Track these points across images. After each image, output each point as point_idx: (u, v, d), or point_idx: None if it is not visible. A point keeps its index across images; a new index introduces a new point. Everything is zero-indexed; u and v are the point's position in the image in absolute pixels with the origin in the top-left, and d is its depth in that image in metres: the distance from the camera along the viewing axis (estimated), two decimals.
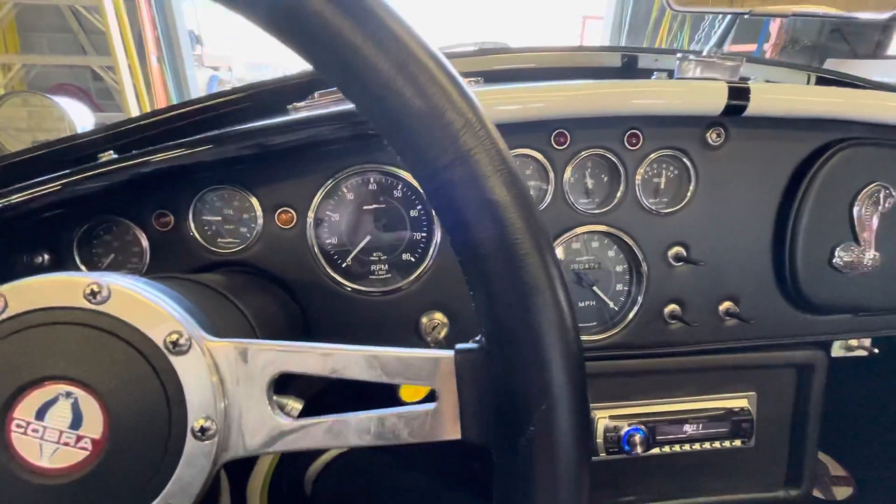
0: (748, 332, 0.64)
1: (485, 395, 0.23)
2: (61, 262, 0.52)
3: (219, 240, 0.54)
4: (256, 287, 0.48)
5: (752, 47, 3.47)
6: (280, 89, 0.64)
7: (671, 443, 0.66)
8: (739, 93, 0.53)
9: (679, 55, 0.57)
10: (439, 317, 0.57)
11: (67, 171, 0.46)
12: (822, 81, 0.77)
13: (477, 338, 0.24)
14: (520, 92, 0.50)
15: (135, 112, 3.81)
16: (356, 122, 0.49)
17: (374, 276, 0.57)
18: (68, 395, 0.26)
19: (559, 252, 0.59)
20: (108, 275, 0.27)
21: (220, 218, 0.53)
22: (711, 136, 0.58)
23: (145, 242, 0.52)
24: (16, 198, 0.45)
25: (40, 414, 0.25)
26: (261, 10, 0.21)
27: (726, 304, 0.63)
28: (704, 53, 0.56)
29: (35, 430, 0.25)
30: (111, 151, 0.51)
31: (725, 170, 0.60)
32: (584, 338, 0.62)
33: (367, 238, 0.56)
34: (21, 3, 3.46)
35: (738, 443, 0.67)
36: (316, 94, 0.61)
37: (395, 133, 0.22)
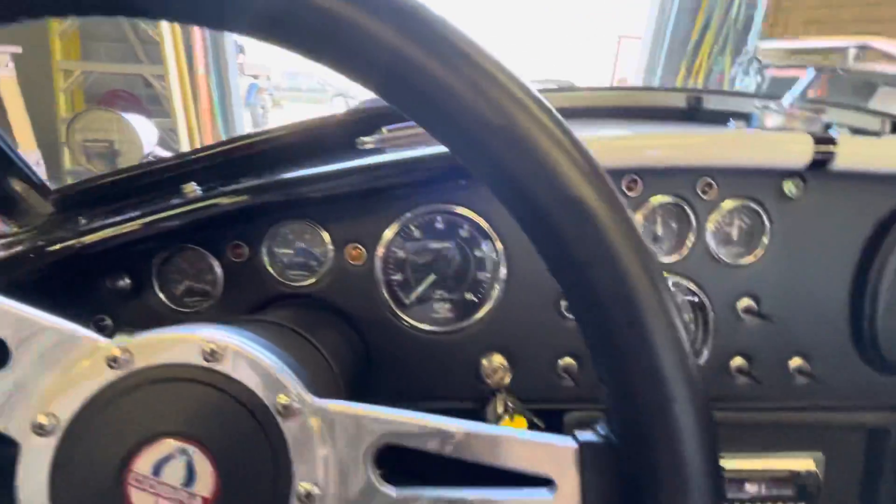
0: (820, 391, 0.60)
1: (611, 492, 0.22)
2: (141, 286, 0.54)
3: (288, 272, 0.55)
4: (330, 325, 0.48)
5: (801, 73, 3.38)
6: (349, 122, 0.65)
7: (731, 502, 0.63)
8: (825, 147, 0.51)
9: (758, 103, 0.56)
10: (499, 360, 0.57)
11: (156, 207, 0.48)
12: None
13: (600, 429, 0.23)
14: (600, 141, 0.50)
15: (181, 117, 3.97)
16: (428, 168, 0.50)
17: (436, 315, 0.57)
18: (183, 452, 0.26)
19: None
20: (224, 332, 0.28)
21: (291, 251, 0.54)
22: (789, 188, 0.56)
23: (219, 271, 0.54)
24: (109, 233, 0.47)
25: (157, 469, 0.26)
26: (404, 94, 0.22)
27: (797, 362, 0.60)
28: (786, 105, 0.55)
29: (151, 486, 0.26)
30: (194, 184, 0.52)
31: (802, 222, 0.57)
32: None
33: (432, 277, 0.56)
34: None
35: None
36: (384, 130, 0.62)
37: (532, 219, 0.22)
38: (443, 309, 0.57)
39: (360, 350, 0.53)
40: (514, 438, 0.24)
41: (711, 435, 0.21)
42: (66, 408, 0.26)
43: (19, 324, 0.26)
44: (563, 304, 0.57)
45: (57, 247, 0.46)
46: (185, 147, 3.88)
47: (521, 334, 0.57)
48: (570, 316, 0.57)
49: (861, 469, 0.66)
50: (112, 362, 0.26)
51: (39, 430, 0.25)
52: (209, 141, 4.24)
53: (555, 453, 0.23)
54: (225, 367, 0.26)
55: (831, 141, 0.52)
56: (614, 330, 0.21)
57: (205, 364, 0.26)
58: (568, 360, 0.58)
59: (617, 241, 0.21)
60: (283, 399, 0.26)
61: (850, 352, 0.60)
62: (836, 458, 0.65)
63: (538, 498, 0.24)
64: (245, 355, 0.27)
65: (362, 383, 0.51)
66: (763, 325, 0.59)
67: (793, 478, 0.63)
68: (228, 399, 0.26)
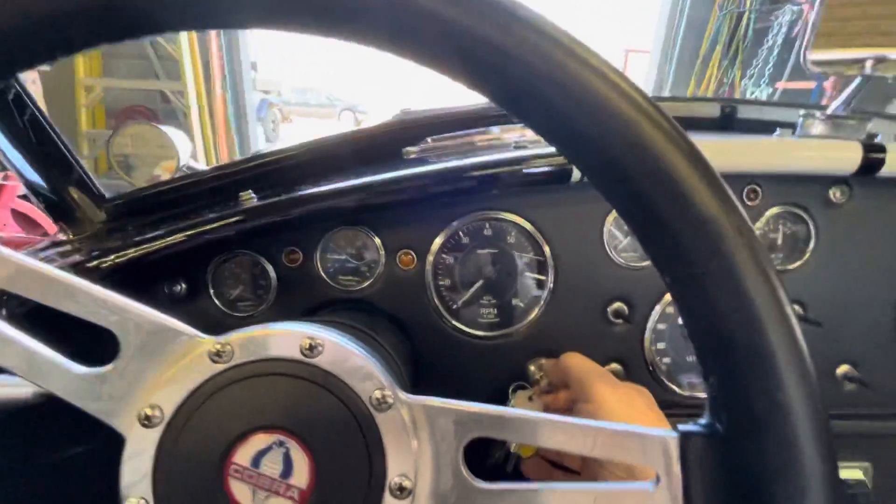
0: (868, 398, 0.60)
1: (715, 482, 0.22)
2: (196, 291, 0.55)
3: (339, 277, 0.56)
4: (387, 328, 0.49)
5: (809, 85, 3.39)
6: (395, 132, 0.67)
7: None
8: (874, 153, 0.52)
9: (802, 112, 0.57)
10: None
11: (216, 215, 0.49)
12: None
13: (703, 421, 0.24)
14: None
15: (197, 132, 4.04)
16: (473, 176, 0.51)
17: (482, 320, 0.58)
18: (281, 444, 0.27)
19: (670, 308, 0.58)
20: (319, 328, 0.29)
21: (343, 256, 0.55)
22: (835, 195, 0.57)
23: (273, 277, 0.55)
24: (171, 240, 0.48)
25: (256, 461, 0.27)
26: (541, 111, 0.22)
27: (844, 368, 0.60)
28: (830, 112, 0.55)
29: (250, 476, 0.26)
30: (251, 192, 0.54)
31: (847, 228, 0.58)
32: (687, 393, 0.60)
33: (480, 282, 0.57)
34: None
35: None
36: (429, 140, 0.64)
37: (643, 225, 0.22)
38: (490, 314, 0.58)
39: (409, 351, 0.53)
40: (610, 429, 0.25)
41: (826, 425, 0.21)
42: (171, 400, 0.26)
43: (124, 315, 0.27)
44: (610, 309, 0.57)
45: (127, 252, 0.47)
46: (202, 161, 3.94)
47: (568, 339, 0.57)
48: (617, 321, 0.57)
49: None
50: (215, 357, 0.27)
51: (146, 421, 0.26)
52: (224, 154, 4.31)
53: (657, 445, 0.24)
54: (322, 361, 0.27)
55: (881, 148, 0.52)
56: (730, 336, 0.21)
57: (303, 359, 0.27)
58: (614, 366, 0.58)
59: (730, 235, 0.21)
60: (377, 393, 0.27)
61: None
62: (885, 468, 0.63)
63: (641, 488, 0.24)
64: (341, 349, 0.27)
65: (412, 384, 0.52)
66: (809, 332, 0.58)
67: (841, 487, 0.62)
68: (325, 393, 0.27)
